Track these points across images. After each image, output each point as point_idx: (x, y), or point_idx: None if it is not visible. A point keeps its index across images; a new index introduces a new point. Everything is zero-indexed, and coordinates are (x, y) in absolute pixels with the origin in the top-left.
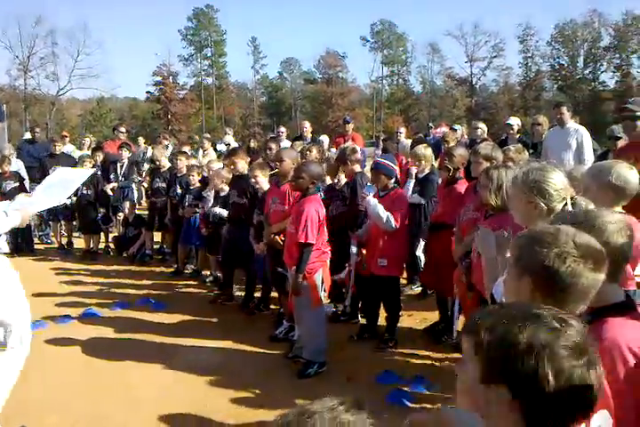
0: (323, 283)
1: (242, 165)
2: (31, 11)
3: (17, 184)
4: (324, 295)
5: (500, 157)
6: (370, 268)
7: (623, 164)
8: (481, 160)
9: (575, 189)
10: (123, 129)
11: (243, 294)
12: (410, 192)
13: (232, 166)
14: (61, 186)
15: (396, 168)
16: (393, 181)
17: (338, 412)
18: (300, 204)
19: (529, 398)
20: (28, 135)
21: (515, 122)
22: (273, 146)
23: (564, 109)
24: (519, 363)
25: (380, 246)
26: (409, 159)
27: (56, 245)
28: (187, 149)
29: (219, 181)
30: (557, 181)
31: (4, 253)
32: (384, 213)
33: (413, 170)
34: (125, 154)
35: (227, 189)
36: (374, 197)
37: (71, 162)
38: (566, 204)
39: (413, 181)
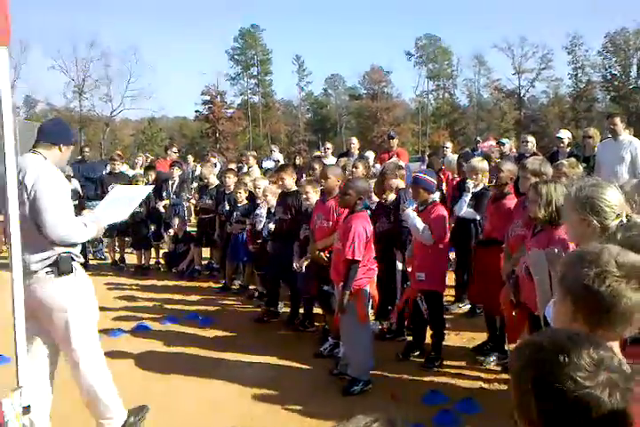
0: (370, 300)
1: (289, 181)
2: (85, 34)
3: (77, 202)
4: (370, 312)
5: (550, 172)
6: (411, 283)
7: None
8: (529, 175)
9: (631, 205)
10: (174, 149)
11: (288, 310)
12: (465, 207)
13: (280, 182)
14: (124, 202)
15: (435, 182)
16: (434, 195)
17: None
18: (348, 220)
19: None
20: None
21: (565, 135)
22: (316, 166)
23: (617, 120)
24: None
25: (419, 260)
26: (455, 175)
27: (109, 261)
28: (233, 165)
29: (272, 196)
30: (611, 198)
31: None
32: (421, 225)
33: (470, 184)
34: (176, 172)
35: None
36: (414, 210)
37: (127, 180)
38: (622, 221)
39: (470, 195)
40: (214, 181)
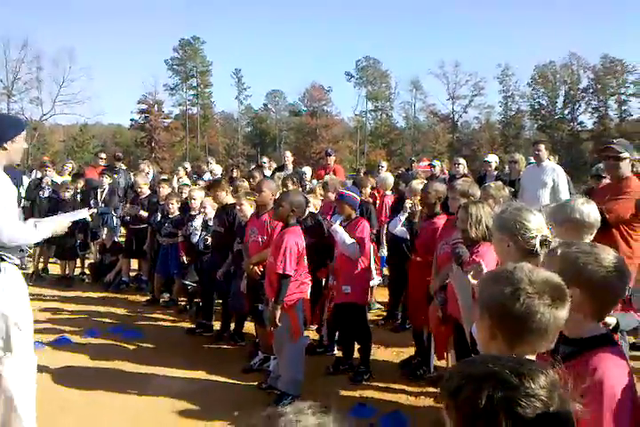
0: (303, 314)
1: (223, 195)
2: (17, 35)
3: None
4: (303, 327)
5: (478, 194)
6: (336, 297)
7: (580, 199)
8: (457, 196)
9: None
10: (103, 155)
11: (218, 324)
12: (399, 225)
13: (214, 198)
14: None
15: (359, 199)
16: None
17: (304, 415)
18: (281, 234)
19: None
20: None
21: (493, 159)
22: (257, 175)
23: (542, 147)
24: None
25: (344, 274)
26: (387, 191)
27: (31, 271)
28: (166, 176)
29: (211, 209)
30: (532, 222)
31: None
32: (349, 240)
33: (408, 204)
34: (106, 180)
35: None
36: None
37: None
38: (542, 244)
39: (406, 214)
40: (146, 191)
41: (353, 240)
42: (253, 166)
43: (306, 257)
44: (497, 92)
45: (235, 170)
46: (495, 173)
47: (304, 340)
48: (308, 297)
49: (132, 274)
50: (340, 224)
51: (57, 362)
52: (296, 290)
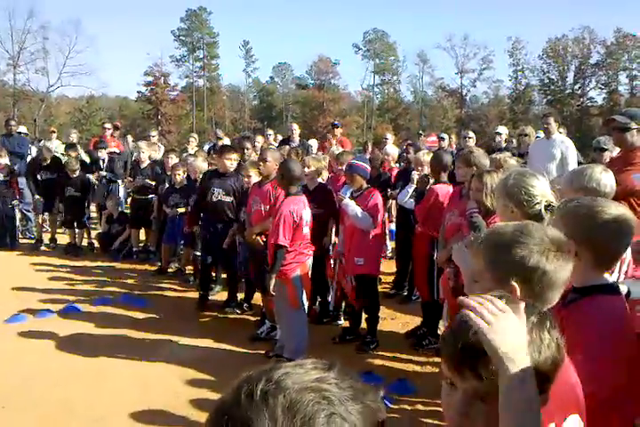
0: (302, 284)
1: (229, 163)
2: (23, 4)
3: (8, 178)
4: (304, 295)
5: (487, 164)
6: (348, 268)
7: (598, 167)
8: (460, 165)
9: (555, 196)
10: (108, 125)
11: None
12: (408, 197)
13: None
14: None
15: (369, 168)
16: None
17: (304, 368)
18: (280, 204)
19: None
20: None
21: (503, 131)
22: (248, 145)
23: (551, 120)
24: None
25: (357, 245)
26: (393, 164)
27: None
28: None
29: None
30: (535, 188)
31: None
32: (360, 213)
33: (415, 175)
34: (101, 153)
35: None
36: (350, 198)
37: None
38: (546, 210)
39: (414, 186)
40: (145, 159)
41: (364, 212)
42: (242, 135)
43: (307, 227)
44: (506, 67)
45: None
46: (504, 145)
47: (303, 309)
48: (308, 268)
49: (140, 245)
50: (351, 196)
51: (66, 330)
52: (293, 260)
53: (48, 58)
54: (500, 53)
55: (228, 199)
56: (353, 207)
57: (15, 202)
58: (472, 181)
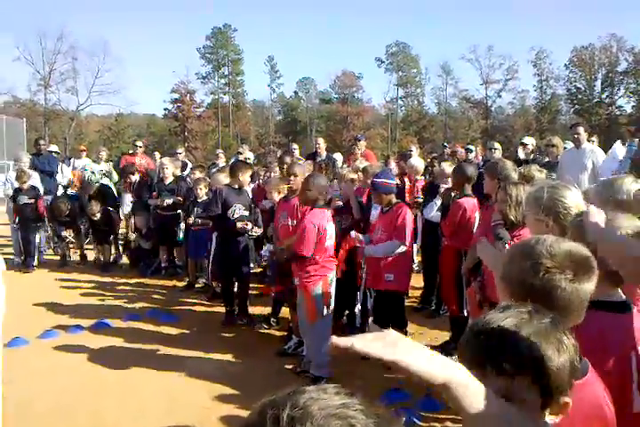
0: (323, 297)
1: (243, 179)
2: (53, 27)
3: (32, 200)
4: (325, 310)
5: (512, 175)
6: (377, 284)
7: (629, 177)
8: (487, 177)
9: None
10: (139, 143)
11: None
12: (435, 210)
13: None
14: None
15: (393, 182)
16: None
17: (327, 393)
18: (304, 217)
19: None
20: (51, 148)
21: (529, 141)
22: (287, 159)
23: (581, 130)
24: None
25: (387, 261)
26: (417, 176)
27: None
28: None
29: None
30: (569, 200)
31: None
32: (385, 246)
33: (442, 188)
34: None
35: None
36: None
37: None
38: None
39: (440, 199)
40: (168, 175)
41: (392, 244)
42: (284, 150)
43: (331, 240)
44: (531, 76)
45: (268, 157)
46: (531, 156)
47: (325, 322)
48: (330, 281)
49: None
50: (381, 211)
51: (96, 345)
52: (315, 273)
53: (77, 77)
54: (525, 64)
55: (246, 213)
56: (375, 250)
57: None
58: (498, 192)
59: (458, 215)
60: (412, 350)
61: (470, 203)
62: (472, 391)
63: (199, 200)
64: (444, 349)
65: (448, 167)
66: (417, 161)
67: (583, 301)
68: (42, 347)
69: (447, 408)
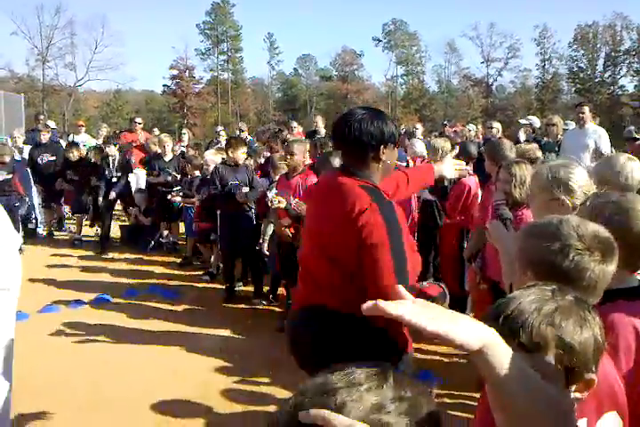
0: None
1: (238, 154)
2: (51, 1)
3: (9, 176)
4: None
5: (510, 155)
6: None
7: (622, 156)
8: (486, 157)
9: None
10: (139, 120)
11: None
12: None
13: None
14: None
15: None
16: None
17: (358, 391)
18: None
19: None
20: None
21: (529, 121)
22: (285, 135)
23: (586, 109)
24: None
25: None
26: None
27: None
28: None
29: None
30: (580, 178)
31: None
32: None
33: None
34: (113, 148)
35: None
36: None
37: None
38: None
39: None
40: (168, 152)
41: None
42: (272, 132)
43: None
44: (533, 55)
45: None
46: (533, 135)
47: None
48: None
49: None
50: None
51: (97, 320)
52: None
53: (76, 53)
54: (527, 42)
55: (245, 190)
56: None
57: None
58: (499, 172)
59: (463, 195)
60: (451, 319)
61: (473, 182)
62: (504, 354)
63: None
64: None
65: (441, 143)
66: (420, 146)
67: (606, 282)
68: (42, 321)
69: (445, 384)
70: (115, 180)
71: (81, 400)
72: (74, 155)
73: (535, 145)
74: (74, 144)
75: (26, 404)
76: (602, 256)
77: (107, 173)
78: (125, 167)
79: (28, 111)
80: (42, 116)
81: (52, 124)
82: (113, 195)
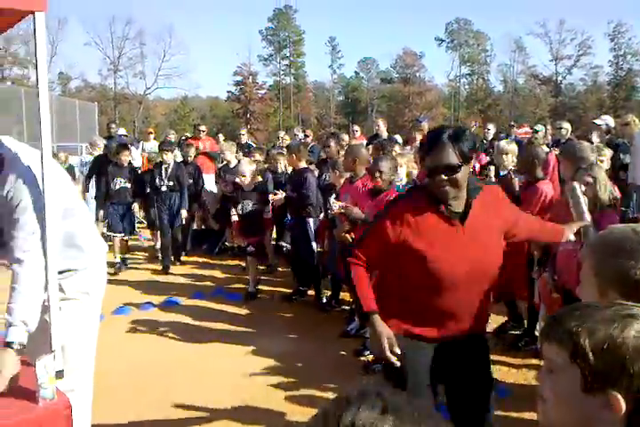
0: None
1: (295, 160)
2: (122, 13)
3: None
4: None
5: (592, 157)
6: None
7: None
8: (562, 159)
9: None
10: (203, 128)
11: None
12: None
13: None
14: None
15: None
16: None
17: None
18: (375, 201)
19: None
20: (120, 132)
21: (602, 122)
22: (332, 144)
23: None
24: (629, 366)
25: None
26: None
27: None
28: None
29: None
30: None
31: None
32: None
33: (491, 170)
34: (170, 156)
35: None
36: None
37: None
38: None
39: (492, 180)
40: (232, 159)
41: None
42: (330, 133)
43: None
44: (605, 51)
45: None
46: (607, 136)
47: None
48: None
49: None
50: None
51: (166, 322)
52: None
53: (145, 62)
54: (599, 38)
55: (293, 194)
56: None
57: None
58: (577, 175)
59: (540, 200)
60: None
61: (549, 187)
62: None
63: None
64: (502, 330)
65: (506, 144)
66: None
67: None
68: (115, 322)
69: (513, 395)
70: (164, 189)
71: (152, 399)
72: (125, 159)
73: (593, 145)
74: (123, 145)
75: (99, 404)
76: None
77: (157, 181)
78: (178, 177)
79: (101, 119)
80: (113, 125)
81: (122, 131)
82: (184, 214)
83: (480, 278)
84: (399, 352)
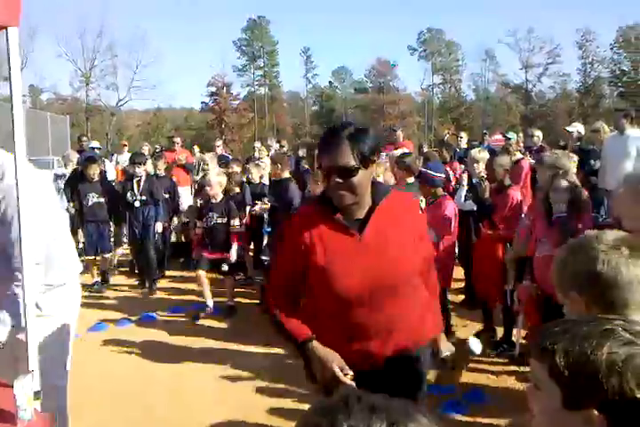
0: None
1: (278, 169)
2: (93, 25)
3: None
4: None
5: (568, 165)
6: None
7: None
8: (539, 168)
9: None
10: (178, 140)
11: None
12: (462, 200)
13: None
14: None
15: (439, 175)
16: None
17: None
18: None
19: (617, 416)
20: (93, 144)
21: (574, 129)
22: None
23: (622, 116)
24: (604, 383)
25: None
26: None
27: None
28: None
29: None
30: None
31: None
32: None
33: (464, 178)
34: (141, 169)
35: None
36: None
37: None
38: None
39: (465, 188)
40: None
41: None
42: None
43: None
44: (574, 60)
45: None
46: (577, 143)
47: None
48: None
49: None
50: (427, 203)
51: (144, 338)
52: None
53: (117, 73)
54: (568, 46)
55: (275, 204)
56: None
57: None
58: (554, 182)
59: (513, 207)
60: None
61: (518, 193)
62: None
63: (213, 201)
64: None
65: (477, 153)
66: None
67: None
68: (93, 339)
69: (492, 402)
70: (137, 204)
71: (133, 417)
72: (94, 172)
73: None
74: (91, 159)
75: (78, 423)
76: (630, 250)
77: (129, 195)
78: (151, 191)
79: (73, 131)
80: (84, 138)
81: (95, 144)
82: (159, 227)
83: (390, 291)
84: (351, 373)
